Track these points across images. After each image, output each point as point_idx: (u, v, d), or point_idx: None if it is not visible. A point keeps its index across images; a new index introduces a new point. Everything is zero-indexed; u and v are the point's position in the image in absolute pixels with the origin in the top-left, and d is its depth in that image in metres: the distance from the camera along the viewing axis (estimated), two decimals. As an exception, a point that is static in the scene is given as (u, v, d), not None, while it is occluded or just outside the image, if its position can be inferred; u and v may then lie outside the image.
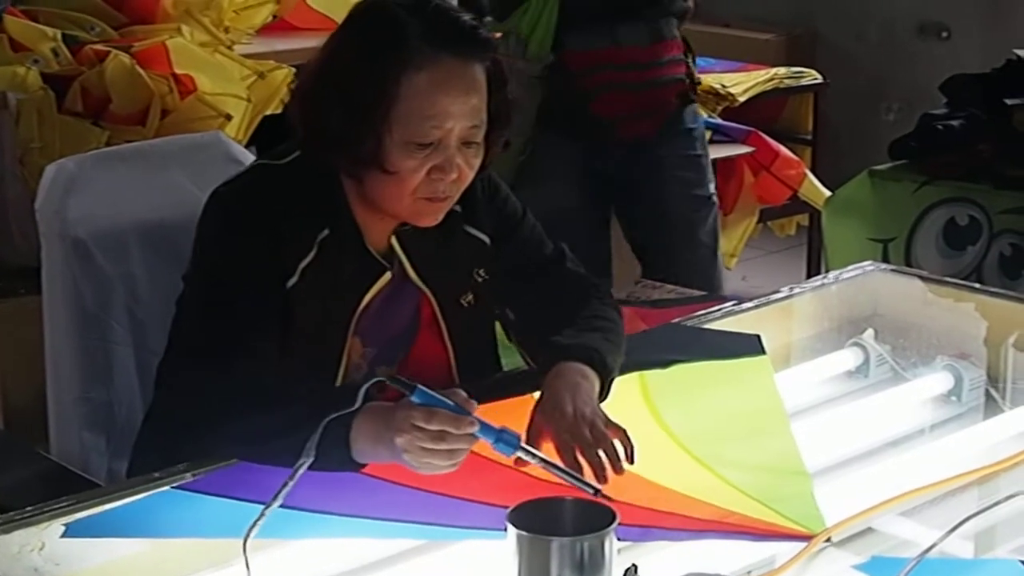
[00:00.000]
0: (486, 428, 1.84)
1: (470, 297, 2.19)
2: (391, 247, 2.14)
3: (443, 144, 2.02)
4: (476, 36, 2.05)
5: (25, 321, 2.86)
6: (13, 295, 3.64)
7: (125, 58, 4.21)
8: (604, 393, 2.02)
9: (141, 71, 4.20)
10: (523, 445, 1.86)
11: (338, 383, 2.09)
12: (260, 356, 1.98)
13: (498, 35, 2.09)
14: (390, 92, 1.99)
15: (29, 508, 1.80)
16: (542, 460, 1.87)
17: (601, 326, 2.12)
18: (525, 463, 1.88)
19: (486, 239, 2.21)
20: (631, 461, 1.90)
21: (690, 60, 3.70)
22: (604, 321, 2.14)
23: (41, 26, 4.44)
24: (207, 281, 2.07)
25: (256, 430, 1.88)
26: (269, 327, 2.02)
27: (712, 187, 3.76)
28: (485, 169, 2.12)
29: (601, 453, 1.89)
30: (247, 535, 1.73)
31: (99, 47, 4.34)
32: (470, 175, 2.07)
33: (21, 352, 3.06)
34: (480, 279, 2.20)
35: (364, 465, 1.86)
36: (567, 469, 1.87)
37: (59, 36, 4.39)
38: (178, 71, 4.29)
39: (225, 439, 1.91)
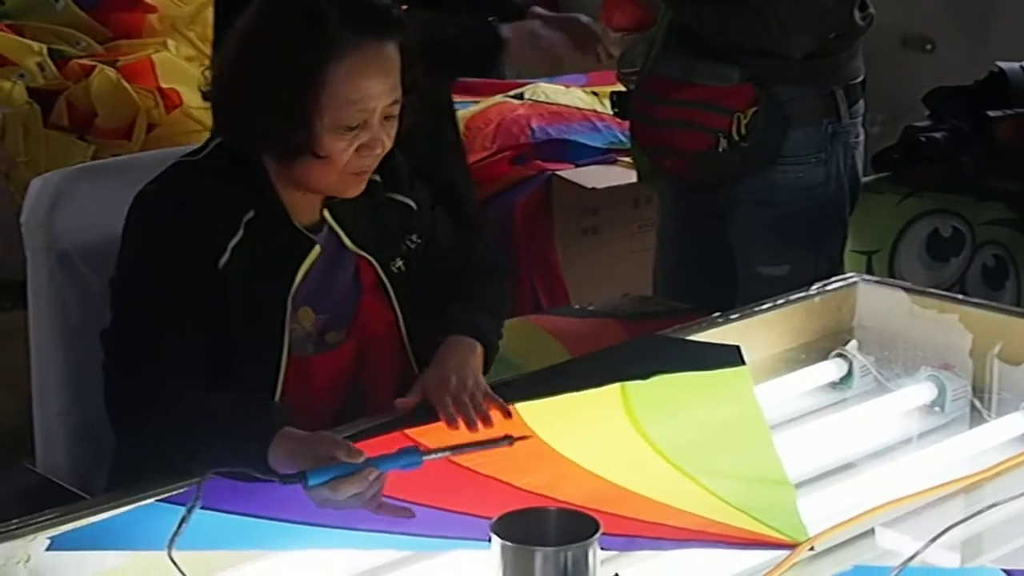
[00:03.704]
0: (385, 461, 1.86)
1: (400, 263, 2.25)
2: (322, 219, 2.19)
3: (368, 123, 2.08)
4: (391, 16, 2.11)
5: (10, 335, 2.86)
6: (-1, 309, 3.64)
7: (111, 72, 4.22)
8: (487, 367, 2.18)
9: (127, 85, 4.21)
10: (423, 453, 1.90)
11: (283, 354, 2.13)
12: (187, 333, 2.05)
13: (404, 8, 2.16)
14: (317, 82, 2.04)
15: (14, 521, 1.80)
16: (449, 449, 1.93)
17: (491, 305, 2.27)
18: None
19: (413, 204, 2.29)
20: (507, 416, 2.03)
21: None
22: (495, 299, 2.29)
23: (27, 41, 4.45)
24: (133, 272, 2.11)
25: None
26: (195, 306, 2.06)
27: (784, 269, 3.15)
28: (400, 136, 2.17)
29: (472, 412, 2.02)
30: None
31: (85, 61, 4.36)
32: (389, 145, 2.14)
33: (7, 365, 3.06)
34: (412, 244, 2.27)
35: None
36: (473, 443, 1.96)
37: (45, 51, 4.40)
38: (164, 85, 4.30)
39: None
